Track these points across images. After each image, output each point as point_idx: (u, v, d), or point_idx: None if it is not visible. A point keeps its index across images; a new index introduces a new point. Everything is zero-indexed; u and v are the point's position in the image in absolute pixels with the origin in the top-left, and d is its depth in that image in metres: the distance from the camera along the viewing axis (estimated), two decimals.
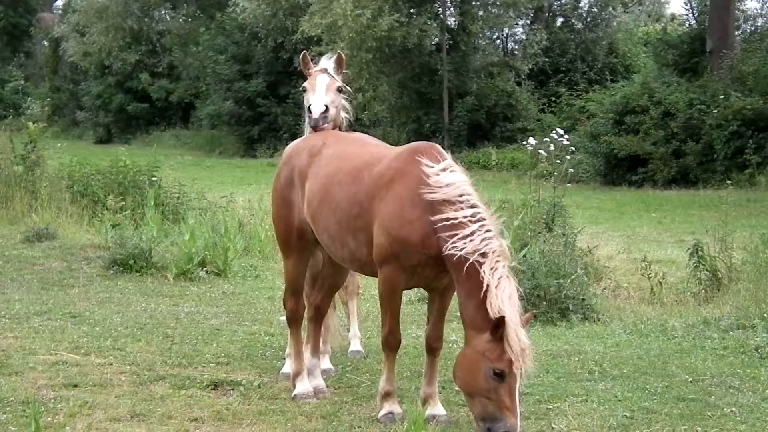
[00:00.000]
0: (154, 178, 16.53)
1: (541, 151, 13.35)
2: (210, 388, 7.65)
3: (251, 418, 6.94)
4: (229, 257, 12.96)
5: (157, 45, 47.39)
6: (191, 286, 12.18)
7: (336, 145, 7.50)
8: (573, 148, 14.14)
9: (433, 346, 7.01)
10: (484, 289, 6.30)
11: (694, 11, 36.04)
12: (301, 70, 8.25)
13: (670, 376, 8.38)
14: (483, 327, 6.30)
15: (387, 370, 7.01)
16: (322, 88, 8.00)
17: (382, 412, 6.94)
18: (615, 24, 40.66)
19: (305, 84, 8.13)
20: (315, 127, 7.87)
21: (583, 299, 10.84)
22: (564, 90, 35.98)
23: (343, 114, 8.30)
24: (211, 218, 14.70)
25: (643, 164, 29.00)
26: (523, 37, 38.65)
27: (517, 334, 6.23)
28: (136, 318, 10.13)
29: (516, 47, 38.43)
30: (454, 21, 36.56)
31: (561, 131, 13.95)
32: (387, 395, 6.98)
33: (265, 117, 40.29)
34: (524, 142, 14.80)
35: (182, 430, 6.62)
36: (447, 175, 6.63)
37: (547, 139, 13.63)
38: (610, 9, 40.22)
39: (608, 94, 32.59)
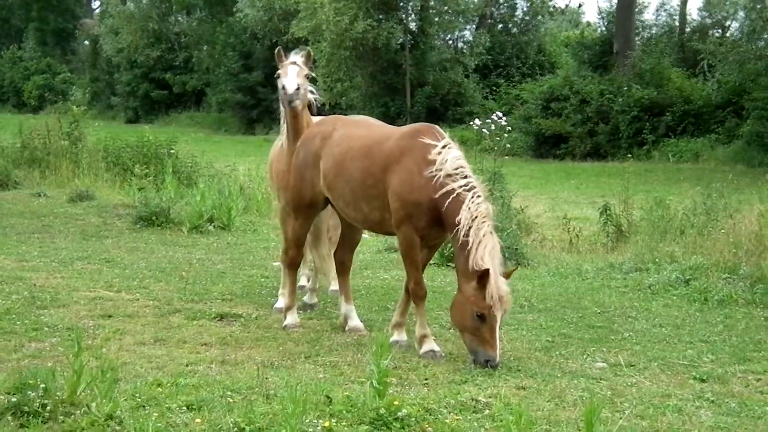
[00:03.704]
0: (172, 151, 16.41)
1: (484, 130, 13.30)
2: (217, 319, 7.59)
3: (250, 343, 6.89)
4: (232, 215, 12.89)
5: (175, 43, 46.91)
6: (202, 237, 12.11)
7: (344, 128, 7.26)
8: (510, 128, 14.04)
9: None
10: (469, 246, 6.24)
11: (605, 20, 36.01)
12: (276, 62, 7.96)
13: (583, 309, 8.44)
14: (471, 276, 6.22)
15: (419, 316, 6.74)
16: (294, 74, 7.75)
17: (424, 350, 6.65)
18: (543, 29, 40.55)
19: (279, 71, 7.81)
20: (290, 102, 7.61)
21: (516, 249, 10.85)
22: (502, 81, 35.91)
23: (311, 96, 8.09)
24: (217, 183, 14.55)
25: (565, 141, 29.05)
26: (470, 38, 38.39)
27: (497, 283, 6.16)
28: (158, 263, 10.04)
29: (464, 47, 38.15)
30: (415, 25, 36.38)
31: (500, 114, 13.87)
32: (424, 337, 6.71)
33: (262, 102, 40.14)
34: (471, 123, 14.73)
35: (194, 352, 6.57)
36: (446, 151, 6.51)
37: (489, 121, 13.58)
38: (539, 17, 40.10)
39: (537, 85, 32.54)
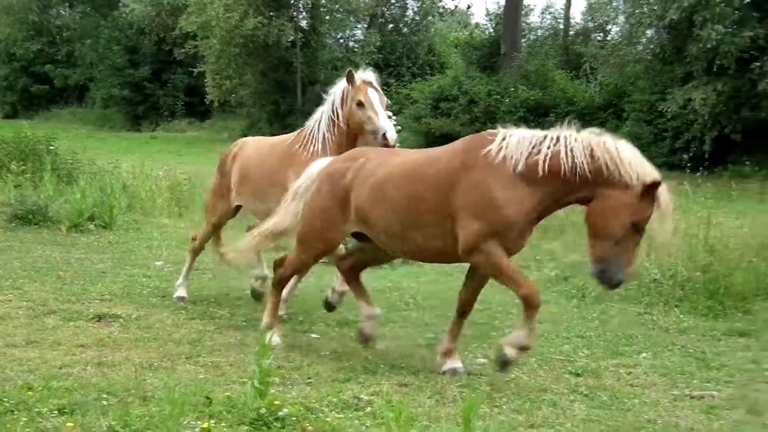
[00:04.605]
0: (51, 147, 15.84)
1: None
2: (95, 320, 7.35)
3: (129, 344, 6.70)
4: (115, 213, 12.62)
5: (57, 37, 45.44)
6: (81, 236, 11.77)
7: (376, 158, 6.52)
8: (400, 128, 14.12)
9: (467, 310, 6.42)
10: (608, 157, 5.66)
11: (492, 21, 36.75)
12: (348, 81, 7.44)
13: None
14: (628, 185, 5.57)
15: (528, 325, 5.90)
16: (383, 110, 7.28)
17: (509, 355, 5.93)
18: (433, 30, 41.10)
19: (361, 98, 7.29)
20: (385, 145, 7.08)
21: None
22: (393, 81, 36.22)
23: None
24: (99, 180, 14.21)
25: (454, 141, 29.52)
26: (362, 37, 38.61)
27: (667, 197, 5.63)
28: (33, 263, 9.70)
29: (356, 46, 38.34)
30: (306, 23, 36.37)
31: (390, 113, 13.94)
32: (524, 349, 5.94)
33: (149, 98, 39.47)
34: None
35: (69, 354, 6.33)
36: (509, 139, 5.93)
37: None
38: (429, 18, 40.67)
39: (427, 85, 32.96)
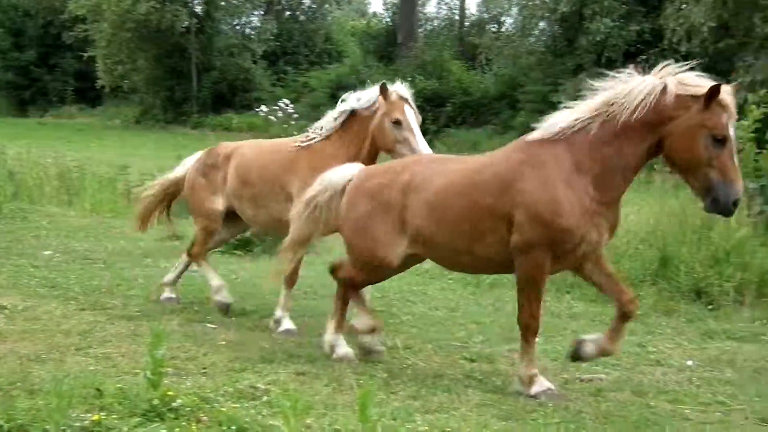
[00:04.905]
0: None
1: (271, 117, 13.32)
2: None
3: (15, 336, 6.43)
4: (0, 201, 12.16)
5: None
6: None
7: (424, 170, 5.94)
8: (297, 115, 14.13)
9: (631, 310, 5.66)
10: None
11: (389, 11, 36.99)
12: (381, 95, 6.96)
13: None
14: (689, 104, 5.24)
15: (527, 353, 5.68)
16: (419, 130, 6.81)
17: (537, 390, 5.58)
18: (330, 18, 41.09)
19: (399, 117, 6.79)
20: None
21: None
22: (290, 68, 36.04)
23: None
24: None
25: None
26: (258, 24, 38.24)
27: (731, 95, 5.25)
28: None
29: (252, 33, 37.96)
30: (201, 9, 35.82)
31: (288, 101, 13.96)
32: (534, 377, 5.64)
33: (36, 83, 38.22)
34: (257, 109, 14.71)
35: None
36: (549, 120, 5.60)
37: (276, 108, 13.60)
38: (326, 6, 40.61)
39: (325, 73, 32.93)
